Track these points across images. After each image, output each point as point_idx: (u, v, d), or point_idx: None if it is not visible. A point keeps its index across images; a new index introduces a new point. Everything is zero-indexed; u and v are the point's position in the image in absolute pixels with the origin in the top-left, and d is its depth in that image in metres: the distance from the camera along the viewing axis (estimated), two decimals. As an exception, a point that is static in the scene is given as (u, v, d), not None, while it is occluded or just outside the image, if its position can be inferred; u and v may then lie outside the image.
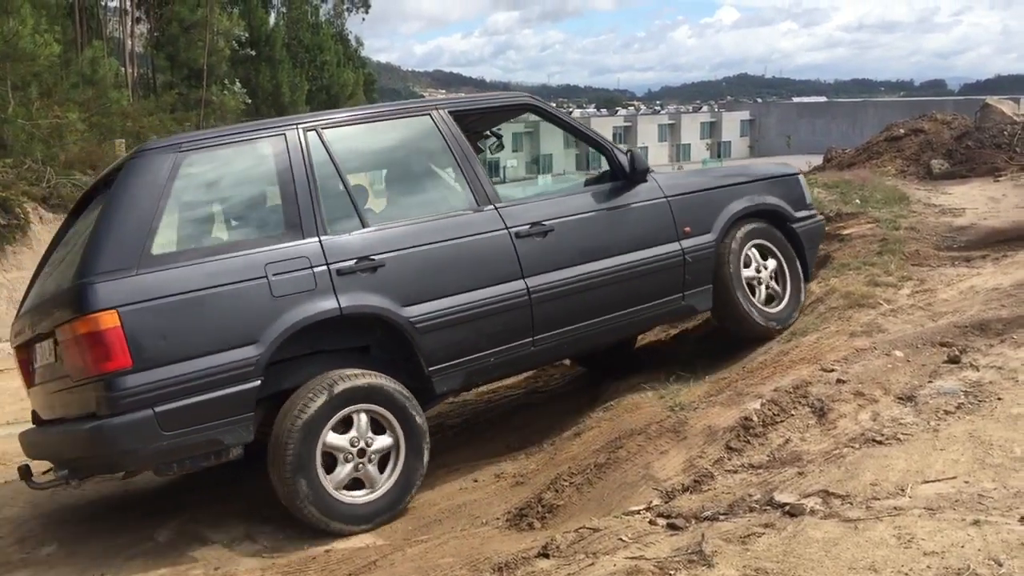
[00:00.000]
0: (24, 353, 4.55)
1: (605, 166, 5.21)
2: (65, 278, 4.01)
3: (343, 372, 4.00)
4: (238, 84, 26.69)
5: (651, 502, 3.60)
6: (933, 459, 3.43)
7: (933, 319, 4.89)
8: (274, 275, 3.90)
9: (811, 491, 3.34)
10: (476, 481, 4.52)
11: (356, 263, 4.07)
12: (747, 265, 5.26)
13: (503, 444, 5.04)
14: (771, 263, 5.38)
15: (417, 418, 4.11)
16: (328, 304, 3.96)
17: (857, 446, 3.66)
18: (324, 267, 4.00)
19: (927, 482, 3.27)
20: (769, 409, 4.02)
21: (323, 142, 4.28)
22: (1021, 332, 4.47)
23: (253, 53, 29.91)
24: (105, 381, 3.60)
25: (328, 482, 3.89)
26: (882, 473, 3.38)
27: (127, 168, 3.96)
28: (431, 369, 4.23)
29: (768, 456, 3.75)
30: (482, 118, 5.31)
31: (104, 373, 3.59)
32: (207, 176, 4.17)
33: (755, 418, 3.97)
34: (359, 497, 3.98)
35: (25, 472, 4.18)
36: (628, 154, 4.99)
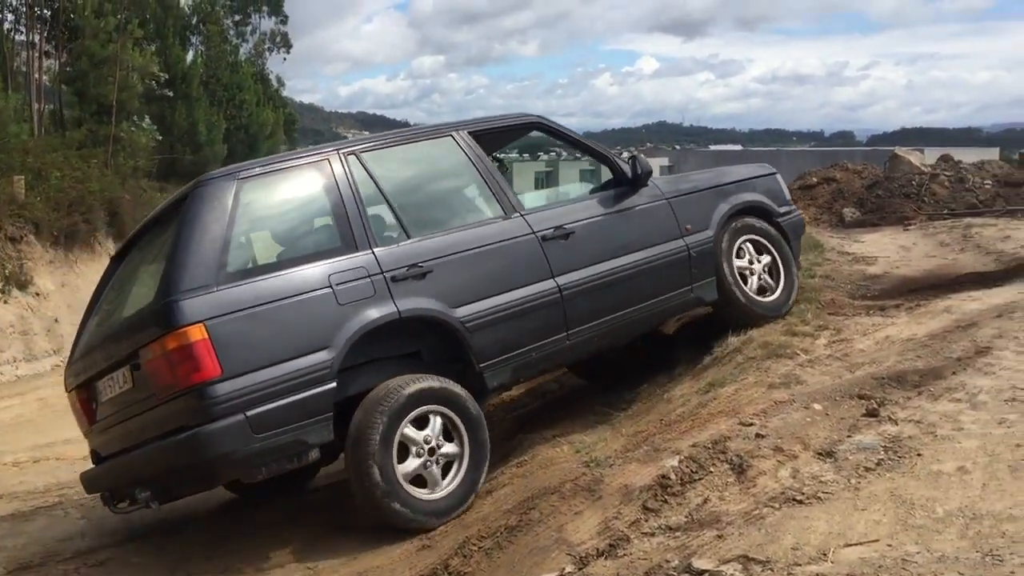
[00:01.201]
0: (84, 393, 4.74)
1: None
2: (135, 308, 4.40)
3: (425, 375, 4.40)
4: (147, 120, 25.96)
5: (564, 569, 3.38)
6: (855, 520, 3.30)
7: (850, 370, 4.81)
8: (337, 285, 4.25)
9: (730, 556, 3.16)
10: (380, 544, 4.23)
11: (408, 270, 4.44)
12: (740, 256, 5.77)
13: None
14: (765, 258, 5.89)
15: (482, 433, 4.47)
16: (388, 309, 4.32)
17: (777, 506, 3.50)
18: (380, 275, 4.37)
19: (849, 545, 3.13)
20: (687, 466, 3.85)
21: (363, 164, 4.69)
22: (937, 384, 4.42)
23: (170, 93, 29.19)
24: (198, 391, 3.84)
25: (398, 471, 4.17)
26: (803, 536, 3.22)
27: (194, 197, 4.27)
28: (482, 365, 4.59)
29: (686, 517, 3.56)
30: (496, 137, 5.65)
31: (196, 384, 3.84)
32: (265, 200, 4.56)
33: (673, 476, 3.79)
34: (422, 493, 4.27)
35: (108, 499, 4.54)
36: (631, 160, 5.47)
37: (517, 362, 4.74)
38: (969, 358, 4.71)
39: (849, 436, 3.99)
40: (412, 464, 4.25)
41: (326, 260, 4.32)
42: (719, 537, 3.31)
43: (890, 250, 8.88)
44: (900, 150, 13.30)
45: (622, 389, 5.85)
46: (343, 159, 4.65)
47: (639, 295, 5.23)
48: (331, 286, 4.23)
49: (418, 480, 4.28)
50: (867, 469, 3.68)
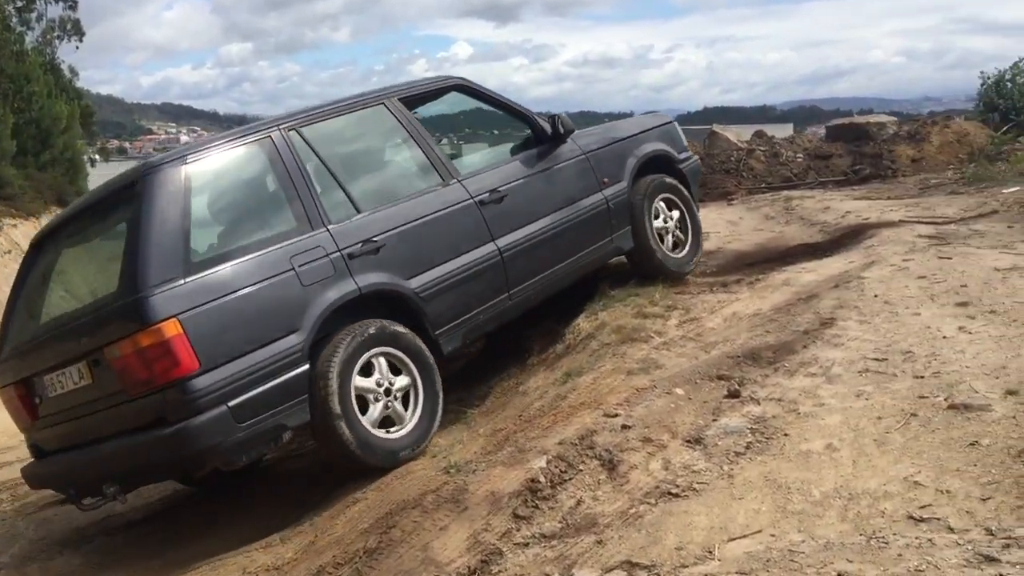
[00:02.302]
0: (22, 388, 4.55)
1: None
2: (85, 303, 4.30)
3: (364, 321, 4.37)
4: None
5: (434, 593, 3.08)
6: (734, 511, 3.17)
7: (705, 350, 4.74)
8: (300, 266, 4.22)
9: (613, 563, 2.96)
10: (221, 580, 3.79)
11: (362, 246, 4.45)
12: (656, 216, 6.05)
13: (253, 526, 4.33)
14: (675, 213, 6.23)
15: (426, 357, 4.53)
16: (349, 286, 4.34)
17: (653, 502, 3.33)
18: (337, 253, 4.36)
19: (733, 539, 3.00)
20: (556, 466, 3.62)
21: (304, 139, 4.62)
22: (791, 359, 4.40)
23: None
24: (178, 386, 3.77)
25: (364, 421, 4.22)
26: (685, 533, 3.07)
27: (146, 185, 4.08)
28: (437, 333, 4.67)
29: (561, 522, 3.33)
30: (421, 101, 5.58)
31: (175, 379, 3.77)
32: (216, 183, 4.46)
33: (542, 478, 3.55)
34: (393, 433, 4.34)
35: (73, 496, 4.36)
36: (553, 119, 5.60)
37: (467, 326, 4.87)
38: (816, 330, 4.74)
39: (715, 420, 3.88)
40: (375, 411, 4.31)
41: (284, 242, 4.27)
42: (599, 543, 3.10)
43: (719, 225, 9.06)
44: (718, 127, 13.72)
45: (473, 383, 5.59)
46: (284, 135, 4.57)
47: (570, 249, 5.45)
48: (293, 268, 4.20)
49: (386, 421, 4.36)
50: (737, 454, 3.57)
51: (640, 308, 5.49)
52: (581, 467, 3.63)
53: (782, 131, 20.95)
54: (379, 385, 4.35)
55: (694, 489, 3.36)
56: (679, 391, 4.19)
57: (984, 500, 2.98)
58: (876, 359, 4.23)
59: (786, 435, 3.65)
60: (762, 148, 12.96)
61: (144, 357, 3.79)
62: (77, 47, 37.00)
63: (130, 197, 4.15)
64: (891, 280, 5.41)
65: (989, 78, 13.95)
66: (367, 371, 4.32)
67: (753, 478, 3.37)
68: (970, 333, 4.36)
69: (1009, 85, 13.72)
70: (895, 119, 13.71)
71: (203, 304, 3.89)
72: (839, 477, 3.28)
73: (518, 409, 4.66)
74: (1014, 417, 3.45)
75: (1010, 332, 4.29)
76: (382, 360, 4.38)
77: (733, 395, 4.09)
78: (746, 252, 7.35)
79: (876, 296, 5.12)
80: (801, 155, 12.80)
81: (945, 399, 3.69)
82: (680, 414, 3.98)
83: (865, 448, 3.45)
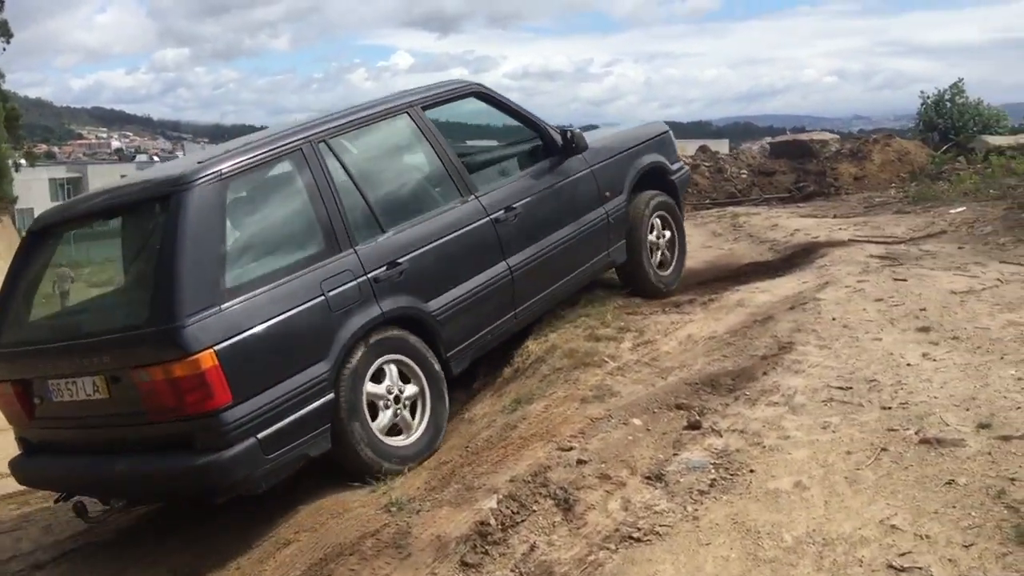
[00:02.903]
0: (20, 387, 4.31)
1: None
2: (105, 314, 4.31)
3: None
4: None
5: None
6: (702, 558, 2.93)
7: (662, 376, 4.51)
8: (329, 292, 4.09)
9: (573, 620, 2.70)
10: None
11: (387, 269, 4.34)
12: (650, 232, 6.05)
13: (169, 572, 3.96)
14: (667, 234, 6.25)
15: (436, 366, 4.46)
16: (373, 311, 4.23)
17: (614, 547, 3.08)
18: (364, 277, 4.25)
19: (702, 592, 2.76)
20: (507, 507, 3.34)
21: (334, 153, 4.46)
22: (752, 387, 4.19)
23: None
24: (211, 419, 3.65)
25: (374, 428, 4.17)
26: (650, 585, 2.82)
27: (182, 203, 3.83)
28: (449, 354, 4.58)
29: (513, 571, 3.05)
30: (438, 107, 5.30)
31: (208, 411, 3.64)
32: (249, 201, 4.26)
33: (492, 521, 3.27)
34: (399, 440, 4.30)
35: (81, 510, 4.26)
36: (565, 133, 5.51)
37: (476, 346, 4.81)
38: (775, 356, 4.55)
39: (676, 454, 3.65)
40: (385, 417, 4.26)
41: (314, 265, 4.14)
42: (555, 596, 2.83)
43: (667, 241, 8.88)
44: (663, 142, 13.56)
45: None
46: (315, 148, 4.39)
47: (572, 264, 5.44)
48: (324, 294, 4.08)
49: (393, 429, 4.30)
50: (701, 492, 3.34)
51: (592, 330, 5.24)
52: (534, 507, 3.36)
53: (717, 147, 21.06)
54: (389, 392, 4.29)
55: (657, 533, 3.12)
56: (636, 421, 3.95)
57: (967, 547, 2.79)
58: (840, 387, 4.05)
59: (752, 471, 3.43)
60: (707, 163, 12.90)
61: (176, 387, 3.65)
62: (4, 48, 35.58)
63: (161, 211, 3.93)
64: (848, 302, 5.26)
65: (929, 98, 14.13)
66: (378, 378, 4.26)
67: (720, 520, 3.14)
68: (935, 360, 4.21)
69: (948, 105, 13.90)
70: (837, 137, 13.79)
71: (239, 334, 3.74)
72: (811, 520, 3.06)
73: (464, 439, 4.36)
74: (989, 453, 3.28)
75: (975, 360, 4.15)
76: (393, 367, 4.32)
77: (693, 426, 3.86)
78: (697, 270, 7.17)
79: (834, 319, 4.96)
80: (745, 171, 12.77)
81: (916, 432, 3.52)
82: (639, 447, 3.73)
83: (836, 487, 3.24)
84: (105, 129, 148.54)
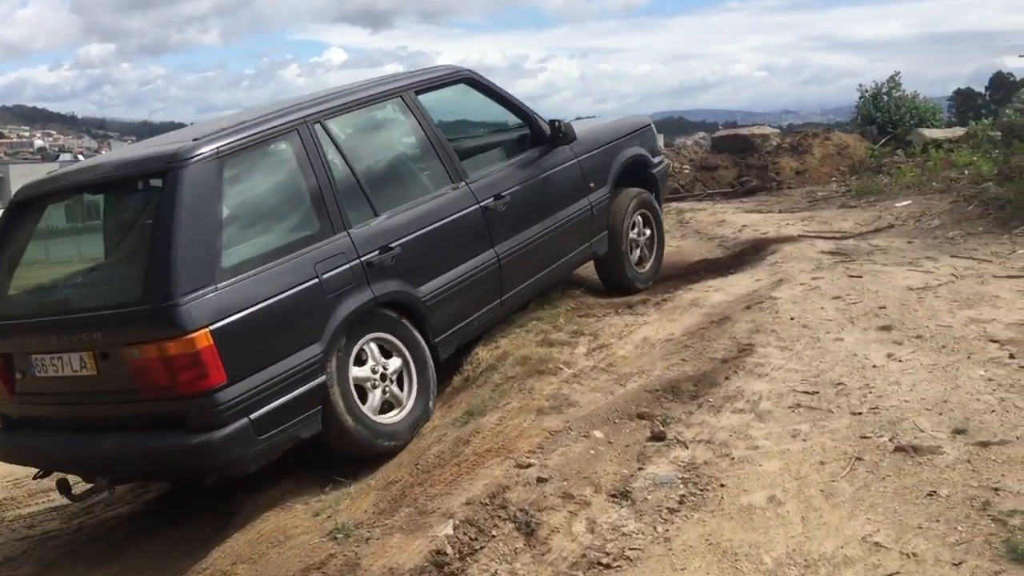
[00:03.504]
0: (1, 360, 4.23)
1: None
2: (94, 290, 4.19)
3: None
4: None
5: None
6: (677, 585, 2.73)
7: (620, 383, 4.30)
8: (323, 274, 4.04)
9: (542, 662, 2.46)
10: None
11: (380, 252, 4.29)
12: (632, 228, 6.03)
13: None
14: (648, 232, 6.23)
15: (413, 337, 4.39)
16: (366, 295, 4.19)
17: (581, 574, 2.86)
18: (357, 260, 4.19)
19: (681, 624, 2.55)
20: (465, 533, 3.10)
21: (329, 134, 4.40)
22: (715, 393, 4.01)
23: None
24: (205, 398, 3.61)
25: (365, 410, 4.13)
26: (624, 617, 2.60)
27: (178, 179, 3.76)
28: (436, 340, 4.54)
29: (473, 605, 2.81)
30: (430, 91, 5.20)
31: (202, 391, 3.60)
32: (247, 178, 4.18)
33: (449, 549, 3.02)
34: (393, 416, 4.27)
35: (64, 487, 4.17)
36: (554, 123, 5.50)
37: (463, 332, 4.78)
38: (736, 359, 4.38)
39: (641, 468, 3.44)
40: (376, 397, 4.23)
41: (309, 246, 4.09)
42: (521, 634, 2.60)
43: (613, 239, 8.71)
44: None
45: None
46: (310, 128, 4.32)
47: (558, 253, 5.45)
48: (318, 276, 4.03)
49: (386, 406, 4.27)
50: (671, 511, 3.15)
51: (544, 334, 5.01)
52: (494, 532, 3.12)
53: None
54: (374, 372, 4.24)
55: (627, 557, 2.91)
56: (597, 433, 3.73)
57: (956, 565, 2.63)
58: (806, 392, 3.90)
59: (722, 486, 3.25)
60: (648, 159, 12.79)
61: (170, 366, 3.61)
62: (-85, 43, 34.03)
63: (156, 187, 3.89)
64: (805, 301, 5.13)
65: (867, 91, 14.22)
66: (360, 360, 4.20)
67: (693, 541, 2.94)
68: (900, 361, 4.08)
69: (886, 98, 14.01)
70: (778, 131, 13.80)
71: (234, 314, 3.70)
72: (790, 539, 2.88)
73: (414, 455, 4.10)
74: (969, 461, 3.14)
75: (942, 360, 4.03)
76: (373, 346, 4.26)
77: (658, 437, 3.66)
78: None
79: (793, 319, 4.82)
80: (688, 166, 12.69)
81: (890, 440, 3.37)
82: (601, 462, 3.51)
83: (812, 501, 3.07)
84: (27, 128, 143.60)
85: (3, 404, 4.39)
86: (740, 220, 8.69)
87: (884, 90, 14.10)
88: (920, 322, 4.56)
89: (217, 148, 3.91)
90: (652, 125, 6.64)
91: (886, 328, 4.51)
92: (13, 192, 4.77)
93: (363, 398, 4.18)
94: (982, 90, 50.35)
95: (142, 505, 4.93)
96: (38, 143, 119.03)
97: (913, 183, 9.35)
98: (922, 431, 3.38)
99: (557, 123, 5.52)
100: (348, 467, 4.13)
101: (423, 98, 5.04)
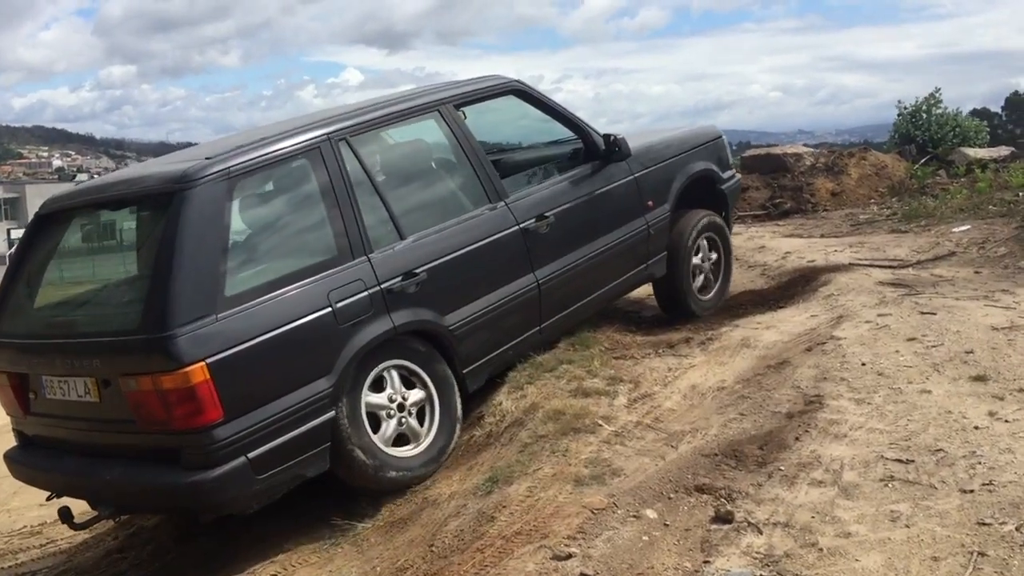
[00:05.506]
0: (16, 379, 4.14)
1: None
2: (101, 315, 4.03)
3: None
4: None
5: None
6: None
7: (671, 444, 3.66)
8: (337, 303, 3.81)
9: None
10: None
11: (403, 280, 4.04)
12: (697, 253, 5.64)
13: None
14: (714, 256, 5.82)
15: (442, 367, 4.15)
16: (385, 325, 3.94)
17: None
18: (377, 288, 3.95)
19: None
20: (491, 654, 2.46)
21: (354, 152, 4.15)
22: (786, 458, 3.38)
23: None
24: (199, 435, 3.43)
25: (376, 440, 3.87)
26: None
27: (185, 201, 3.57)
28: (465, 371, 4.29)
29: None
30: (472, 104, 4.91)
31: (196, 428, 3.42)
32: (258, 201, 4.06)
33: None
34: (408, 450, 3.99)
35: (67, 515, 4.00)
36: (608, 138, 5.12)
37: (495, 362, 4.50)
38: (804, 413, 3.76)
39: (707, 562, 2.80)
40: (389, 428, 3.97)
41: (323, 273, 3.84)
42: None
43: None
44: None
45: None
46: (335, 147, 4.07)
47: (605, 278, 5.10)
48: (331, 305, 3.78)
49: (400, 439, 4.01)
50: (753, 625, 2.50)
51: (578, 381, 4.37)
52: (529, 653, 2.48)
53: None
54: (391, 401, 3.99)
55: None
56: (650, 513, 3.09)
57: None
58: (898, 460, 3.26)
59: (814, 588, 2.60)
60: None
61: (164, 399, 3.43)
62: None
63: (164, 207, 3.67)
64: (875, 342, 4.49)
65: (906, 109, 13.55)
66: (378, 386, 3.96)
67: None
68: (1007, 422, 3.43)
69: (925, 116, 13.34)
70: (811, 150, 13.12)
71: (235, 347, 3.48)
72: (915, 672, 2.23)
73: (427, 530, 3.46)
74: None
75: (1058, 420, 3.37)
76: (394, 373, 4.02)
77: (724, 518, 3.02)
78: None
79: (864, 364, 4.20)
80: (716, 187, 12.03)
81: (1017, 529, 2.72)
82: (657, 552, 2.87)
83: (934, 614, 2.42)
84: (46, 148, 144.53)
85: (19, 423, 4.31)
86: (781, 246, 8.05)
87: (924, 108, 13.42)
88: (1018, 371, 3.91)
89: (228, 168, 3.70)
90: (723, 137, 6.17)
91: (980, 379, 3.86)
92: (30, 211, 4.44)
93: (376, 427, 3.91)
94: (998, 110, 49.65)
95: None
96: (56, 163, 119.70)
97: (965, 206, 8.67)
98: (1057, 518, 2.73)
99: (612, 137, 5.13)
100: (352, 535, 3.49)
101: (466, 111, 4.75)
